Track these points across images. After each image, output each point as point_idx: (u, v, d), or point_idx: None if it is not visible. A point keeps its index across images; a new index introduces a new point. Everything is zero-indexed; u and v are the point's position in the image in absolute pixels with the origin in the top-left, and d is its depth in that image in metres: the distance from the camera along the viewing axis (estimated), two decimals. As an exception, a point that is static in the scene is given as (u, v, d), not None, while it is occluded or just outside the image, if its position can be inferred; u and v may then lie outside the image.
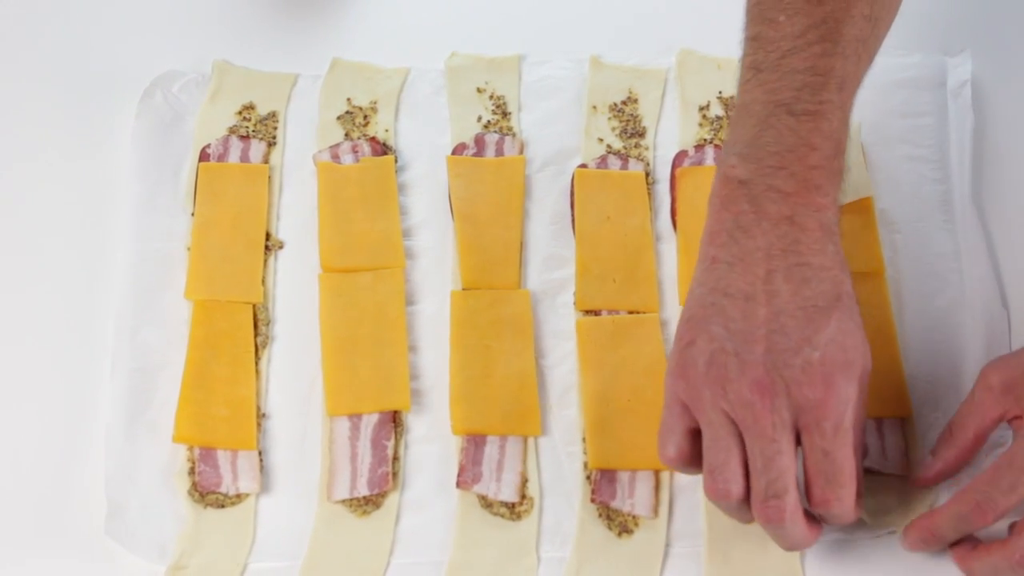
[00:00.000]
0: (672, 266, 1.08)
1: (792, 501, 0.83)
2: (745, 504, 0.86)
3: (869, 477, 0.96)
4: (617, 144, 1.13)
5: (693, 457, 0.88)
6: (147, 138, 1.12)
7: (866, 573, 0.96)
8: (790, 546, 0.88)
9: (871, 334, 0.99)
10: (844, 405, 0.83)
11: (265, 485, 0.99)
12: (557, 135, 1.14)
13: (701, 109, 1.15)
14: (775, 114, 0.87)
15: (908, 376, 1.02)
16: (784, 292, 0.84)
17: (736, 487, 0.84)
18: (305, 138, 1.14)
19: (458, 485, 0.98)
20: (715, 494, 0.85)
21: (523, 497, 0.99)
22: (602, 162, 1.12)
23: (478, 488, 0.98)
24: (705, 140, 1.13)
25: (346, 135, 1.13)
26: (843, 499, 0.84)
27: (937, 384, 1.02)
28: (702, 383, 0.85)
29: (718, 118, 1.14)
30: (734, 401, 0.83)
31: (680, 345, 0.87)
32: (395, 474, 0.99)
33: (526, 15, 1.21)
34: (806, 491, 0.85)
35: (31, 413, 1.02)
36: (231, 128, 1.13)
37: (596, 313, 1.05)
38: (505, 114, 1.14)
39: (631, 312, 1.05)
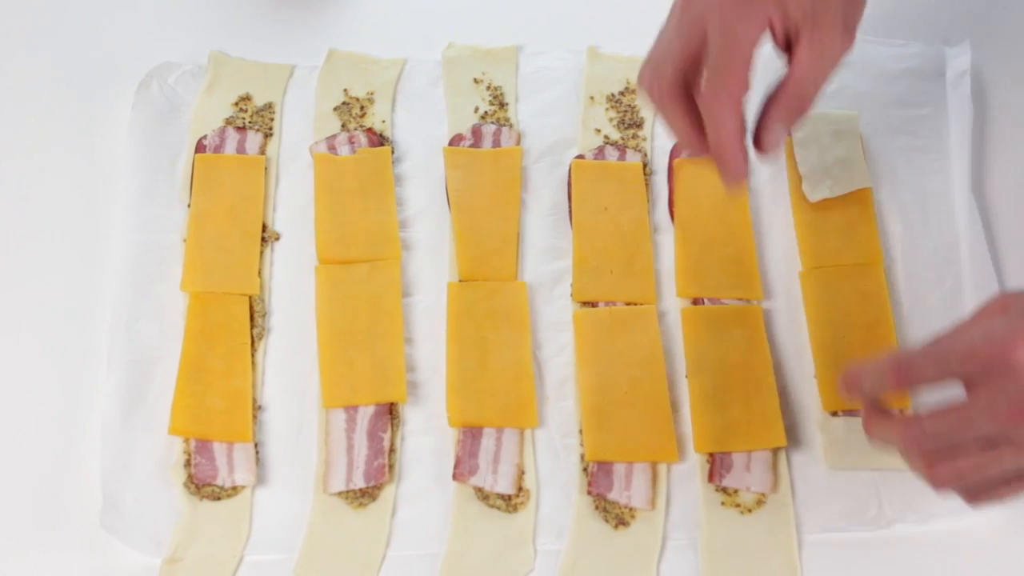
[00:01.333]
0: (669, 258, 1.08)
1: (667, 71, 0.87)
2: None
3: None
4: (615, 135, 1.13)
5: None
6: (143, 130, 1.12)
7: (861, 567, 0.96)
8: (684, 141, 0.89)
9: (869, 324, 1.00)
10: (750, 14, 0.84)
11: (261, 477, 0.99)
12: (554, 126, 1.14)
13: (699, 99, 1.14)
14: None
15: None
16: None
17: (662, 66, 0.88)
18: (302, 129, 1.14)
19: (454, 477, 0.98)
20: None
21: (519, 489, 0.99)
22: (599, 153, 1.11)
23: (474, 480, 0.98)
24: (702, 131, 1.13)
25: (343, 126, 1.13)
26: (719, 96, 0.85)
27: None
28: None
29: (715, 108, 1.14)
30: None
31: None
32: (391, 466, 0.99)
33: (523, 6, 1.20)
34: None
35: (27, 404, 1.02)
36: (227, 119, 1.13)
37: (593, 305, 1.05)
38: (502, 105, 1.14)
39: (628, 304, 1.05)
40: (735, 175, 0.88)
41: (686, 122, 0.88)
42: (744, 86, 0.85)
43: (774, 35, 0.86)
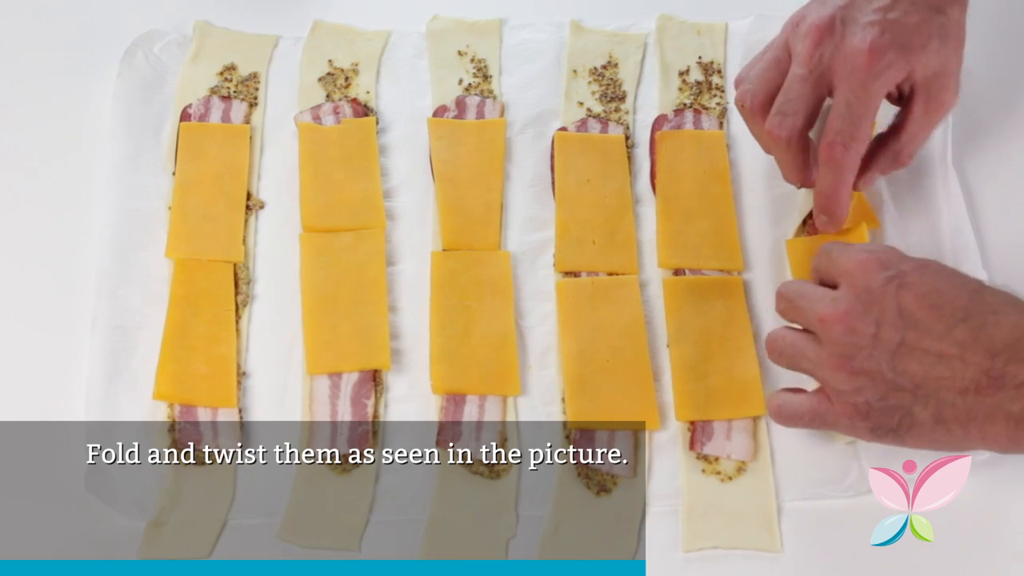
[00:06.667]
0: (651, 229, 1.08)
1: (792, 124, 0.95)
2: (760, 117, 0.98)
3: None
4: (597, 108, 1.14)
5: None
6: (128, 98, 1.12)
7: (840, 534, 0.97)
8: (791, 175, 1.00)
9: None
10: (882, 73, 0.92)
11: (245, 443, 1.00)
12: (537, 98, 1.15)
13: (681, 74, 1.15)
14: None
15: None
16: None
17: (756, 88, 0.98)
18: (286, 99, 1.14)
19: (437, 444, 0.99)
20: (738, 85, 1.00)
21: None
22: (582, 125, 1.12)
23: (457, 447, 0.99)
24: (684, 104, 1.14)
25: (327, 96, 1.14)
26: (848, 151, 0.94)
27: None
28: (794, 14, 0.97)
29: (697, 83, 1.15)
30: (798, 34, 0.95)
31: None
32: (375, 432, 1.00)
33: (507, -21, 1.21)
34: (820, 139, 0.95)
35: (13, 369, 1.02)
36: (212, 88, 1.14)
37: (576, 275, 1.06)
38: (486, 77, 1.15)
39: (610, 274, 1.06)
40: (840, 221, 0.99)
41: (803, 160, 0.98)
42: (867, 141, 0.95)
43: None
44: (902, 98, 0.98)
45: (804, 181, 0.99)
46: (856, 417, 0.87)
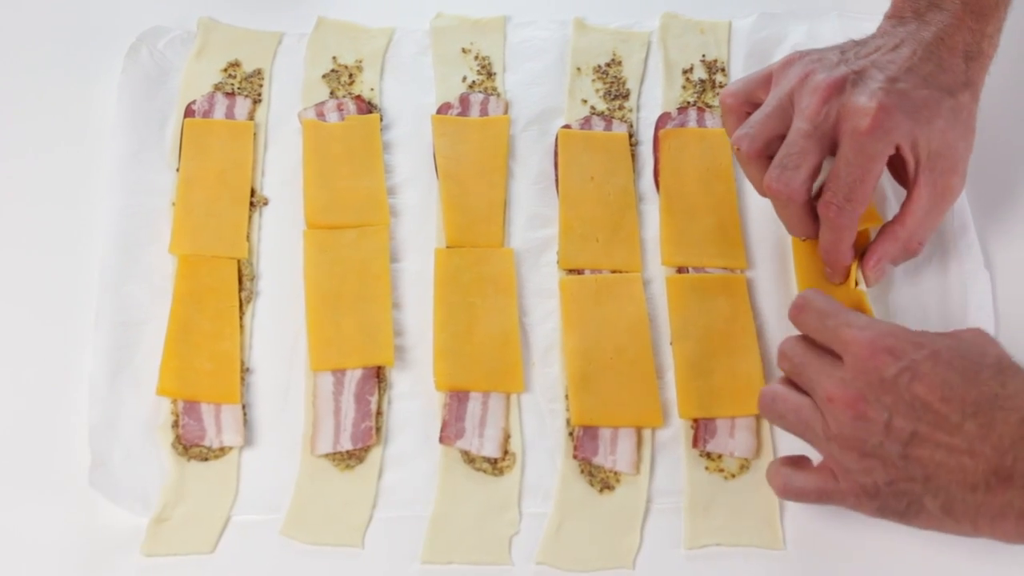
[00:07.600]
0: (654, 226, 1.09)
1: (791, 179, 0.93)
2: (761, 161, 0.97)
3: None
4: (601, 106, 1.14)
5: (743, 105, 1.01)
6: (132, 94, 1.13)
7: (843, 532, 0.96)
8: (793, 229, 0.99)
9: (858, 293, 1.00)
10: (886, 134, 0.91)
11: (249, 439, 1.00)
12: (541, 96, 1.15)
13: (684, 72, 1.16)
14: None
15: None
16: (904, 65, 0.95)
17: (755, 133, 0.96)
18: (290, 96, 1.14)
19: (441, 440, 0.99)
20: (727, 99, 1.01)
21: (505, 453, 0.99)
22: (586, 123, 1.12)
23: (461, 443, 0.99)
24: (688, 103, 1.14)
25: (331, 93, 1.14)
26: (843, 212, 0.93)
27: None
28: (799, 65, 0.97)
29: (701, 81, 1.15)
30: (806, 88, 0.94)
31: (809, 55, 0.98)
32: (378, 429, 1.00)
33: (510, -23, 1.21)
34: (821, 192, 0.95)
35: (16, 364, 1.02)
36: (216, 85, 1.14)
37: (579, 272, 1.06)
38: (490, 74, 1.15)
39: (614, 271, 1.06)
40: (841, 278, 0.99)
41: (804, 214, 0.97)
42: (867, 203, 0.94)
43: (891, 165, 0.94)
44: (907, 177, 0.96)
45: (807, 235, 0.99)
46: (863, 496, 0.86)
